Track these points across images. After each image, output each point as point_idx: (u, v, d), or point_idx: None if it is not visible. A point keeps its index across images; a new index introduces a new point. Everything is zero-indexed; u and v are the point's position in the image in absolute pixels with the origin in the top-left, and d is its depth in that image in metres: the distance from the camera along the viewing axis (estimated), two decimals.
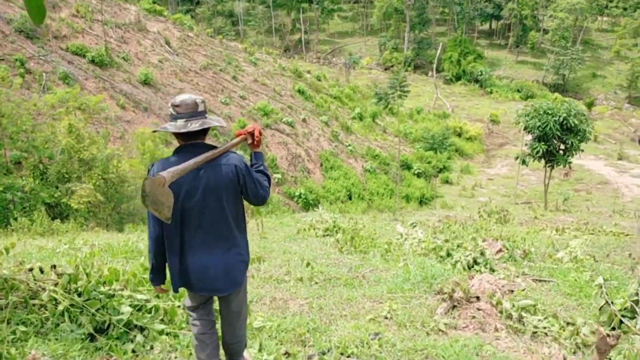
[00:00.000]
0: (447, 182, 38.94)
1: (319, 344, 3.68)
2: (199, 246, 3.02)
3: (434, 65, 62.60)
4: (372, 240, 8.22)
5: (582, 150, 18.23)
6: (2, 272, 3.89)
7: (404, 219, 12.53)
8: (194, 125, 2.95)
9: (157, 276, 3.16)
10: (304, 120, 39.37)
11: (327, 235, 9.85)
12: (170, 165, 2.81)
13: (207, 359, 3.16)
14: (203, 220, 2.99)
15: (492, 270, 6.37)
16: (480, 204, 30.37)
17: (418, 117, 49.83)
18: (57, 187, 18.69)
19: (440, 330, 4.32)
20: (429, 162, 40.21)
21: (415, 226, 9.71)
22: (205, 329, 3.18)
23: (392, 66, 66.78)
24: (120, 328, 3.42)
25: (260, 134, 3.22)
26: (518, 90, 61.93)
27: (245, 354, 3.41)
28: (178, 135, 3.06)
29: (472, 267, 6.40)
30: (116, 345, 3.25)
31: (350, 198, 34.36)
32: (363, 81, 60.76)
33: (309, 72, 51.36)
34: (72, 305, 3.49)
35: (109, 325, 3.44)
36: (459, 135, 46.06)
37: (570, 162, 18.06)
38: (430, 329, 4.34)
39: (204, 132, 3.10)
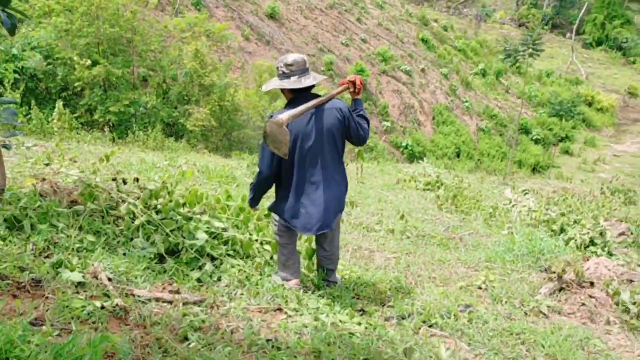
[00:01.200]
0: (566, 152, 36.15)
1: (399, 307, 3.35)
2: (320, 183, 3.36)
3: (574, 27, 57.28)
4: (476, 202, 7.68)
5: None
6: (87, 177, 3.95)
7: (514, 184, 11.71)
8: (308, 81, 3.34)
9: (256, 202, 3.63)
10: (422, 70, 37.93)
11: (428, 189, 9.41)
12: (298, 121, 3.22)
13: (292, 266, 3.59)
14: (321, 159, 3.35)
15: (610, 255, 5.69)
16: (602, 180, 28.12)
17: (547, 80, 46.29)
18: (175, 108, 19.52)
19: (541, 312, 3.85)
20: (550, 129, 37.47)
21: (527, 193, 8.97)
22: (291, 240, 3.63)
23: (527, 22, 61.93)
24: (192, 253, 3.34)
25: (361, 82, 3.45)
26: None
27: (336, 274, 3.83)
28: (291, 90, 3.39)
29: (587, 247, 5.75)
30: (183, 271, 3.17)
31: (458, 156, 33.05)
32: (492, 36, 57.08)
33: (436, 20, 49.09)
34: (148, 222, 3.45)
35: (181, 249, 3.39)
36: (590, 104, 42.32)
37: None
38: (529, 309, 3.89)
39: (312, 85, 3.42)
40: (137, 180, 4.22)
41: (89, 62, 16.70)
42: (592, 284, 4.21)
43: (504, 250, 5.31)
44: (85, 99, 17.10)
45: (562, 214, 6.43)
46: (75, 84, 16.83)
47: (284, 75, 3.33)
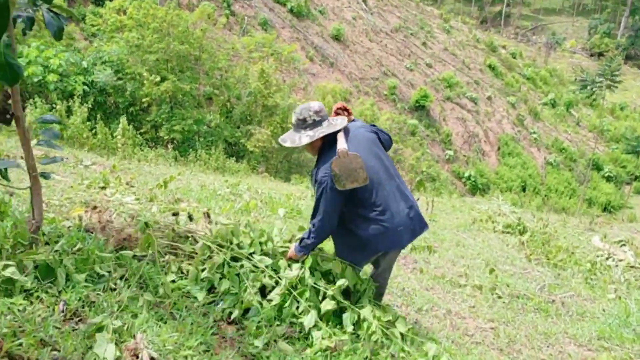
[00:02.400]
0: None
1: None
2: (397, 193, 3.21)
3: None
4: (570, 254, 6.75)
5: None
6: (144, 211, 3.40)
7: (600, 230, 10.58)
8: (339, 121, 3.21)
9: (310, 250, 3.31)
10: (488, 98, 36.74)
11: (508, 232, 8.49)
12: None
13: None
14: (387, 172, 3.22)
15: None
16: None
17: (621, 114, 43.90)
18: (238, 128, 19.36)
19: None
20: (624, 167, 35.33)
21: (623, 244, 7.91)
22: None
23: (600, 54, 59.37)
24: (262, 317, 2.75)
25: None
26: None
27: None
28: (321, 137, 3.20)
29: None
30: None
31: (524, 190, 31.57)
32: (562, 65, 55.00)
33: (504, 47, 47.80)
34: (228, 263, 2.89)
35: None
36: None
37: None
38: None
39: None
40: (208, 215, 3.65)
41: (158, 78, 16.72)
42: None
43: (618, 323, 4.43)
44: (152, 115, 17.13)
45: None
46: (143, 100, 16.90)
47: (317, 123, 3.16)
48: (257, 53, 21.44)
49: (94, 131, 12.70)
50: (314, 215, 3.16)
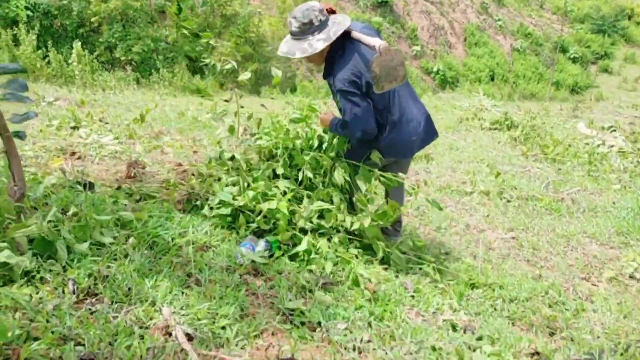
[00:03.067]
0: (606, 70, 34.10)
1: (579, 338, 2.40)
2: (411, 99, 3.01)
3: None
4: (567, 147, 6.62)
5: None
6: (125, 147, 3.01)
7: (583, 115, 10.53)
8: (343, 16, 2.86)
9: None
10: None
11: (496, 129, 8.33)
12: (362, 61, 2.75)
13: None
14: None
15: None
16: None
17: None
18: (198, 40, 18.31)
19: None
20: (589, 47, 35.26)
21: (614, 130, 7.84)
22: None
23: None
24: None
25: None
26: None
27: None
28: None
29: None
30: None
31: (492, 79, 31.37)
32: None
33: None
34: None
35: None
36: (629, 18, 39.49)
37: None
38: None
39: None
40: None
41: None
42: None
43: (633, 216, 4.34)
44: (104, 36, 15.97)
45: None
46: (92, 19, 15.67)
47: (324, 24, 2.77)
48: None
49: (46, 59, 11.78)
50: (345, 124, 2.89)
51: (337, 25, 2.76)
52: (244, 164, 3.28)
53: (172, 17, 18.54)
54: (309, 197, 3.00)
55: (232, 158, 3.41)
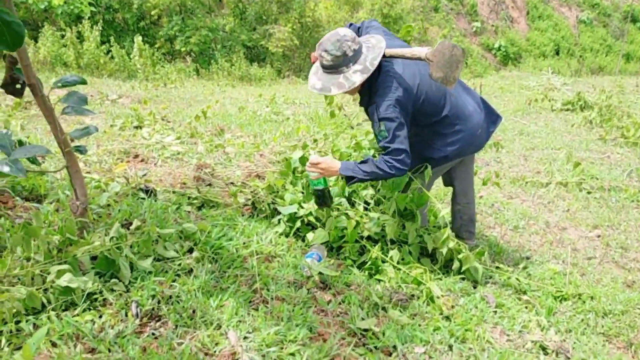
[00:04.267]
0: None
1: None
2: (463, 90, 2.79)
3: None
4: None
5: None
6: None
7: None
8: (376, 38, 2.56)
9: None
10: None
11: (568, 110, 7.84)
12: (409, 77, 2.52)
13: None
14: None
15: None
16: None
17: None
18: (254, 29, 18.29)
19: None
20: None
21: None
22: None
23: None
24: None
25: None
26: None
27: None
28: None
29: None
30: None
31: (557, 53, 29.86)
32: None
33: None
34: None
35: None
36: None
37: None
38: None
39: None
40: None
41: None
42: None
43: None
44: (164, 29, 16.21)
45: None
46: (152, 12, 15.92)
47: (359, 52, 2.48)
48: None
49: (109, 54, 12.06)
50: (384, 150, 2.53)
51: (372, 50, 2.49)
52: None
53: (230, 5, 18.64)
54: (377, 204, 2.84)
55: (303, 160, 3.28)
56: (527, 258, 3.13)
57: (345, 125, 4.95)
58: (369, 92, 2.56)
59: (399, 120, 2.47)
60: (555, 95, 8.85)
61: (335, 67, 2.47)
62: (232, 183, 3.32)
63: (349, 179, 2.58)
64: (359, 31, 2.88)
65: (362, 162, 2.57)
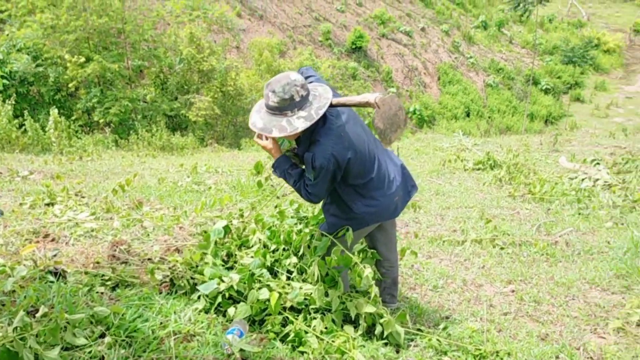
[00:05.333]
0: (578, 99, 34.87)
1: None
2: (386, 156, 2.90)
3: None
4: (554, 185, 6.56)
5: None
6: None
7: (563, 149, 10.57)
8: (324, 87, 2.64)
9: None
10: (422, 29, 36.38)
11: (479, 169, 8.29)
12: (349, 135, 2.59)
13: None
14: (372, 137, 2.83)
15: None
16: (618, 125, 26.81)
17: (549, 26, 44.58)
18: (176, 99, 18.32)
19: None
20: (559, 77, 36.17)
21: (597, 163, 7.83)
22: None
23: None
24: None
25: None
26: None
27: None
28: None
29: None
30: None
31: (468, 115, 31.84)
32: None
33: None
34: None
35: None
36: (596, 46, 40.73)
37: None
38: None
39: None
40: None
41: (81, 59, 15.38)
42: None
43: (631, 255, 4.23)
44: (82, 102, 15.88)
45: None
46: (69, 85, 15.61)
47: (305, 99, 2.52)
48: (185, 16, 20.10)
49: (22, 128, 11.61)
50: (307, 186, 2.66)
51: (318, 100, 2.53)
52: (234, 242, 3.14)
53: (151, 76, 18.62)
54: (300, 272, 2.85)
55: (225, 229, 3.25)
56: (447, 317, 3.21)
57: (271, 196, 4.99)
58: (309, 141, 2.60)
59: (329, 174, 2.55)
60: (467, 155, 9.37)
61: (279, 109, 2.49)
62: (149, 259, 3.22)
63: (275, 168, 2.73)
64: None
65: (293, 170, 2.68)
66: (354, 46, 30.82)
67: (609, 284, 3.86)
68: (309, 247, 2.87)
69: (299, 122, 2.48)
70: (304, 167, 2.68)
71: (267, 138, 2.66)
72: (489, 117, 31.81)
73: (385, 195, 2.78)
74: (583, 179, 7.20)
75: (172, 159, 9.53)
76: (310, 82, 2.75)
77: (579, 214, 5.60)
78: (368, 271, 2.70)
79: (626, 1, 54.46)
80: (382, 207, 2.78)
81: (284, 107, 2.48)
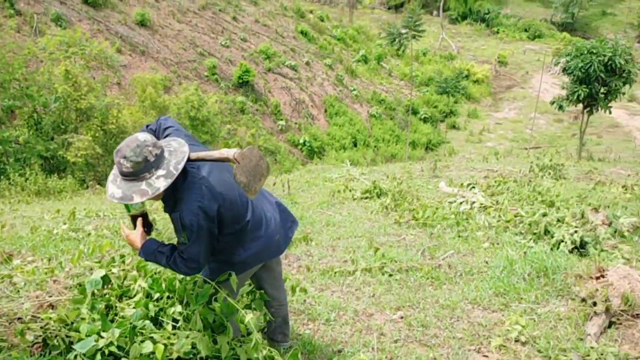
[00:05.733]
0: (454, 127, 37.52)
1: None
2: (262, 196, 2.89)
3: (440, 4, 59.69)
4: (435, 210, 6.91)
5: (624, 94, 16.67)
6: None
7: (442, 174, 11.23)
8: (178, 142, 2.55)
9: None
10: (307, 63, 37.46)
11: (367, 198, 8.56)
12: (213, 186, 2.53)
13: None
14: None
15: (602, 251, 5.14)
16: (490, 149, 29.15)
17: (424, 59, 47.77)
18: (52, 139, 17.24)
19: None
20: (435, 107, 38.75)
21: (473, 187, 8.38)
22: None
23: (397, 6, 63.73)
24: None
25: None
26: (525, 30, 59.69)
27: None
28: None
29: (578, 250, 5.14)
30: None
31: (355, 145, 33.05)
32: (366, 21, 57.97)
33: (311, 12, 48.83)
34: None
35: None
36: (466, 77, 44.23)
37: (610, 107, 16.51)
38: None
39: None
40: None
41: None
42: None
43: (507, 273, 4.54)
44: None
45: (544, 214, 5.80)
46: None
47: (161, 157, 2.43)
48: (60, 53, 19.08)
49: None
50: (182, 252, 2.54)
51: (175, 154, 2.45)
52: (114, 292, 2.94)
53: (23, 116, 17.37)
54: (187, 320, 2.73)
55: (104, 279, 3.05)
56: (339, 351, 3.23)
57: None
58: (174, 198, 2.50)
59: (203, 231, 2.46)
60: (355, 185, 9.64)
61: (135, 174, 2.37)
62: (19, 319, 2.94)
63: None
64: (156, 132, 2.81)
65: (164, 248, 2.58)
66: (240, 80, 30.99)
67: (490, 303, 4.10)
68: (192, 294, 2.77)
69: (159, 181, 2.38)
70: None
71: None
72: (375, 147, 33.20)
73: (264, 235, 2.77)
74: (461, 203, 7.66)
75: (48, 205, 8.90)
76: (168, 134, 2.69)
77: (459, 236, 5.94)
78: (249, 317, 2.64)
79: (490, 35, 59.84)
80: (263, 248, 2.77)
81: (140, 170, 2.37)
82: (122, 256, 3.51)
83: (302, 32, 41.56)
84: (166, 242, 2.66)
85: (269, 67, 34.45)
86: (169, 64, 28.72)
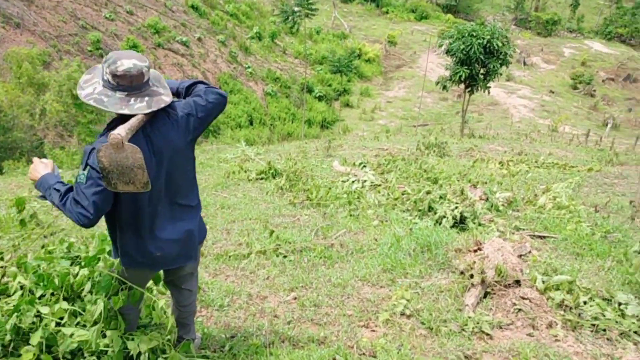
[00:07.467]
0: (347, 105, 38.36)
1: None
2: (167, 220, 2.53)
3: None
4: (328, 190, 7.06)
5: (501, 74, 17.92)
6: None
7: (336, 154, 11.48)
8: (140, 105, 2.27)
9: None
10: (199, 39, 36.39)
11: (262, 179, 8.57)
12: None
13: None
14: (174, 180, 2.52)
15: (480, 225, 5.55)
16: (382, 127, 30.20)
17: (317, 37, 48.15)
18: None
19: (484, 332, 3.35)
20: (330, 85, 39.34)
21: (364, 166, 8.65)
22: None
23: None
24: None
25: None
26: (413, 11, 61.99)
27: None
28: None
29: (458, 224, 5.51)
30: None
31: (251, 123, 32.86)
32: None
33: None
34: None
35: None
36: (359, 56, 45.20)
37: (489, 87, 17.70)
38: (471, 332, 3.35)
39: None
40: None
41: None
42: (518, 282, 3.84)
43: (394, 250, 4.76)
44: None
45: (428, 192, 6.13)
46: None
47: (109, 85, 2.27)
48: None
49: None
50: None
51: (118, 102, 2.27)
52: None
53: None
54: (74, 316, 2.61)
55: None
56: (232, 337, 3.25)
57: (38, 235, 4.47)
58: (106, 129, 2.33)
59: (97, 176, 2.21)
60: (250, 165, 9.60)
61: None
62: None
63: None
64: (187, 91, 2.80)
65: (62, 187, 2.34)
66: None
67: (378, 279, 4.29)
68: (91, 287, 2.63)
69: (88, 97, 2.27)
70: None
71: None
72: (271, 125, 33.14)
73: (145, 243, 2.50)
74: (353, 182, 7.90)
75: None
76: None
77: (351, 215, 6.13)
78: (162, 302, 2.56)
79: (380, 15, 61.42)
80: (139, 252, 2.52)
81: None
82: (0, 252, 3.26)
83: (192, 7, 40.19)
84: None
85: (159, 42, 33.10)
86: (48, 38, 26.68)
